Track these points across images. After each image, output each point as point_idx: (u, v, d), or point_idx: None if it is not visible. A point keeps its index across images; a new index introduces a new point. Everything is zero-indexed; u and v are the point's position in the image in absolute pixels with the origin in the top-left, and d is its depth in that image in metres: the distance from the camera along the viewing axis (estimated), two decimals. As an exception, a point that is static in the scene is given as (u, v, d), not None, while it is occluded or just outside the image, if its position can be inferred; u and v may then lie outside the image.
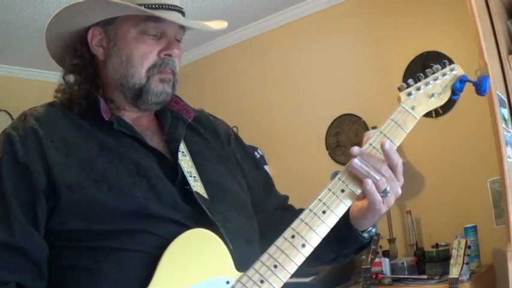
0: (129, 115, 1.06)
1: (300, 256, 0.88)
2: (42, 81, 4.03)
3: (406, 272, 2.64)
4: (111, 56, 1.02)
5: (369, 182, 0.91)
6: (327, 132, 3.40)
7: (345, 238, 1.03)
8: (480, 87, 1.05)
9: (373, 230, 1.05)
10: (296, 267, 0.88)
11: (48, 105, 1.04)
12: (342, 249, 1.08)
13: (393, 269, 2.68)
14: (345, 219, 0.97)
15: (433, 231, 2.84)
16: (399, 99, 1.03)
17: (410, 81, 1.04)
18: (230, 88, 3.90)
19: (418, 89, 1.03)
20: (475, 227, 2.53)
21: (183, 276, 0.86)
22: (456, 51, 2.78)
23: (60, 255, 0.90)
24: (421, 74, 1.05)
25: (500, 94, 1.90)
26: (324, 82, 3.43)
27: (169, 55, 1.02)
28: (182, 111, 1.11)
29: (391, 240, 2.88)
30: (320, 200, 0.91)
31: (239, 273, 0.88)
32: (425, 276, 2.52)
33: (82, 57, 1.04)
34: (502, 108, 1.91)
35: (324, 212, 0.91)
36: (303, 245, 0.88)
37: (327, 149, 3.40)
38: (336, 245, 1.05)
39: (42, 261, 0.89)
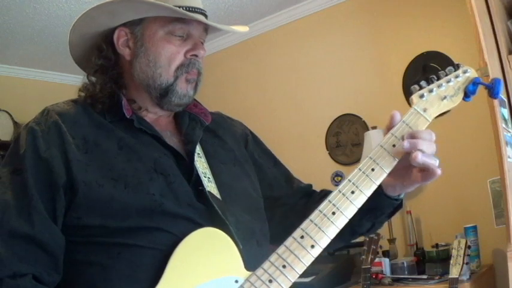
0: (150, 116, 1.08)
1: (308, 257, 0.89)
2: (42, 81, 4.03)
3: (406, 272, 2.64)
4: (139, 56, 1.04)
5: (418, 153, 0.92)
6: (327, 132, 3.40)
7: (378, 207, 1.05)
8: (493, 90, 1.05)
9: (402, 194, 1.06)
10: (305, 268, 0.88)
11: (70, 101, 1.06)
12: (377, 217, 1.09)
13: (393, 269, 2.68)
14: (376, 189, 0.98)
15: (433, 231, 2.84)
16: (411, 101, 1.02)
17: (422, 83, 1.03)
18: (230, 88, 3.90)
19: (431, 91, 1.02)
20: (475, 227, 2.53)
21: (192, 274, 0.87)
22: (456, 51, 2.79)
23: (74, 250, 0.92)
24: (434, 76, 1.04)
25: (500, 94, 1.90)
26: (324, 82, 3.43)
27: (196, 55, 1.04)
28: (200, 114, 1.13)
29: (391, 240, 2.88)
30: (330, 202, 0.92)
31: (248, 273, 0.89)
32: (425, 276, 2.52)
33: (107, 58, 1.06)
34: (502, 108, 1.91)
35: (333, 213, 0.91)
36: (312, 246, 0.89)
37: (327, 149, 3.41)
38: (371, 215, 1.07)
39: (59, 255, 0.91)
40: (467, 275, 2.33)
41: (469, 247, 2.28)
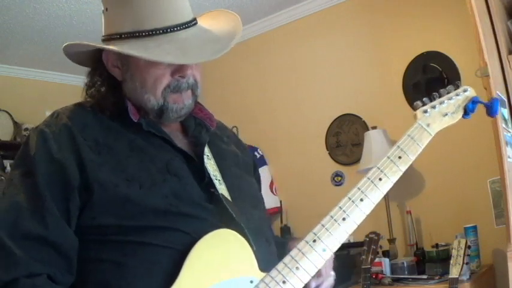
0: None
1: (320, 260, 0.94)
2: (42, 81, 4.04)
3: (406, 272, 2.64)
4: (127, 81, 1.04)
5: None
6: (327, 132, 3.40)
7: None
8: (491, 109, 1.15)
9: None
10: (316, 270, 0.94)
11: (78, 105, 1.06)
12: None
13: (393, 269, 2.68)
14: None
15: (433, 231, 2.84)
16: (415, 116, 1.10)
17: (425, 99, 1.12)
18: (230, 88, 3.90)
19: (434, 107, 1.11)
20: (475, 227, 2.53)
21: (209, 274, 0.90)
22: (456, 51, 2.79)
23: (87, 248, 0.93)
24: (436, 93, 1.13)
25: (500, 94, 1.90)
26: (324, 82, 3.43)
27: (182, 76, 1.03)
28: (205, 119, 1.14)
29: (391, 240, 2.89)
30: (340, 208, 0.98)
31: (262, 273, 0.93)
32: (425, 276, 2.52)
33: (102, 76, 1.07)
34: (502, 108, 1.91)
35: (344, 219, 0.97)
36: (324, 250, 0.94)
37: (327, 149, 3.40)
38: None
39: (73, 256, 0.92)
40: (467, 275, 2.33)
41: (469, 247, 2.28)
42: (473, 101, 1.13)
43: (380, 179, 1.01)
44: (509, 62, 2.03)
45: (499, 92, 1.89)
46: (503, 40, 2.04)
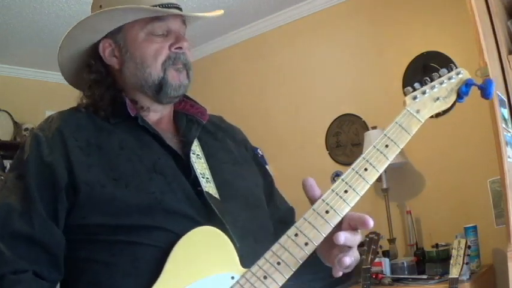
0: (151, 116, 1.11)
1: (302, 254, 0.90)
2: (42, 81, 4.04)
3: (406, 272, 2.64)
4: (126, 62, 1.08)
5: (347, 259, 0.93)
6: (327, 132, 3.40)
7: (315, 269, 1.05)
8: (485, 91, 1.07)
9: None
10: (299, 265, 0.90)
11: (74, 109, 1.10)
12: (324, 278, 1.10)
13: (393, 269, 2.68)
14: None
15: (433, 231, 2.84)
16: (404, 102, 1.04)
17: (416, 85, 1.05)
18: (230, 88, 3.90)
19: (424, 92, 1.04)
20: (475, 227, 2.53)
21: (191, 270, 0.91)
22: (456, 51, 2.79)
23: (77, 248, 0.96)
24: (428, 78, 1.06)
25: (500, 94, 1.90)
26: (324, 82, 3.43)
27: (180, 47, 1.07)
28: (197, 114, 1.16)
29: (391, 240, 2.88)
30: (323, 200, 0.94)
31: (243, 269, 0.91)
32: (425, 276, 2.52)
33: (98, 72, 1.10)
34: (502, 108, 1.91)
35: (327, 212, 0.92)
36: (306, 244, 0.90)
37: (327, 149, 3.41)
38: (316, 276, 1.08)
39: (59, 254, 0.94)
40: (467, 275, 2.33)
41: (469, 247, 2.28)
42: (467, 84, 1.06)
43: (366, 169, 0.95)
44: (509, 62, 2.03)
45: (499, 92, 1.89)
46: (503, 40, 2.04)
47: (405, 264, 2.66)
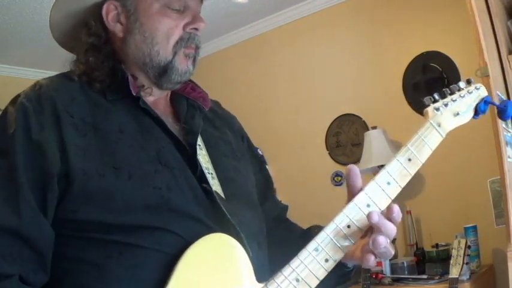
0: (147, 98, 0.97)
1: (322, 271, 0.85)
2: (42, 81, 4.03)
3: (406, 272, 2.64)
4: (133, 33, 0.94)
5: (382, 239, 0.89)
6: (327, 132, 3.40)
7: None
8: (504, 113, 1.03)
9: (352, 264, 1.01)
10: (318, 282, 0.85)
11: (63, 76, 0.94)
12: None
13: (393, 269, 2.68)
14: None
15: (433, 231, 2.84)
16: (426, 113, 0.98)
17: (436, 96, 1.00)
18: (230, 88, 3.89)
19: (446, 105, 0.98)
20: (475, 227, 2.53)
21: (202, 284, 0.81)
22: (456, 51, 2.79)
23: (65, 245, 0.82)
24: (447, 89, 1.00)
25: (500, 94, 1.90)
26: (324, 82, 3.43)
27: (196, 29, 0.96)
28: (199, 99, 1.04)
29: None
30: (344, 214, 0.89)
31: (260, 285, 0.85)
32: (425, 276, 2.52)
33: (97, 35, 0.95)
34: (502, 108, 1.90)
35: (348, 227, 0.88)
36: (326, 260, 0.85)
37: (327, 149, 3.41)
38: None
39: (47, 252, 0.80)
40: (467, 275, 2.33)
41: (469, 247, 2.28)
42: (486, 102, 1.01)
43: (388, 183, 0.91)
44: (509, 62, 2.03)
45: (499, 92, 1.89)
46: (503, 40, 2.04)
47: (405, 264, 2.66)
